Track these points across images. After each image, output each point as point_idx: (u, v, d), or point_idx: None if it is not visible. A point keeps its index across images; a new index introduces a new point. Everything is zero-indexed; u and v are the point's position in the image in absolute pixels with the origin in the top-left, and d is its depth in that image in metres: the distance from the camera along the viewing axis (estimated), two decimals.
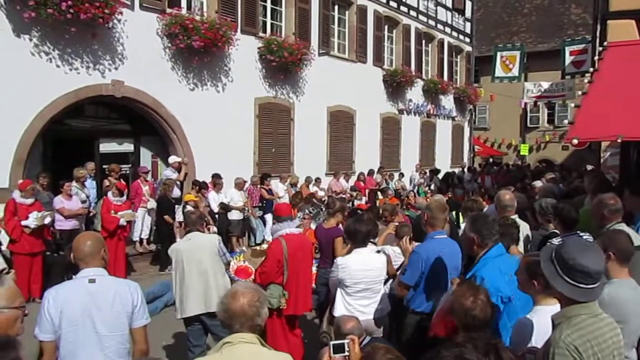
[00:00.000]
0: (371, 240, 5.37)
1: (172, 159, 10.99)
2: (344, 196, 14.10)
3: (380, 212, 7.33)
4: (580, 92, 8.19)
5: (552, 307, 2.67)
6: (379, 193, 15.43)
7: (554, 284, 2.48)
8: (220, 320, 2.52)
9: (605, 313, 2.55)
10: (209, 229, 10.41)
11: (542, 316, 2.74)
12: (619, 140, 6.70)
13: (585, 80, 8.24)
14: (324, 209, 11.05)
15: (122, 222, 8.97)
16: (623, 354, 2.48)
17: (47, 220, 8.03)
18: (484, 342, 2.13)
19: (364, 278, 4.52)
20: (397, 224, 6.25)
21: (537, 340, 2.72)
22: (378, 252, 4.98)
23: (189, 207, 10.12)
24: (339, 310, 4.55)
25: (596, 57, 8.75)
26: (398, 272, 4.86)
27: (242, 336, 2.41)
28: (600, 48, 8.89)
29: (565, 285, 2.44)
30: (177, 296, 5.19)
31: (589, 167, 16.15)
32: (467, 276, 3.52)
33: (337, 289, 4.66)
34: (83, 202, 9.08)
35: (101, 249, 3.21)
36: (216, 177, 11.22)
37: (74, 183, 9.02)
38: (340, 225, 6.21)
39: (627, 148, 9.24)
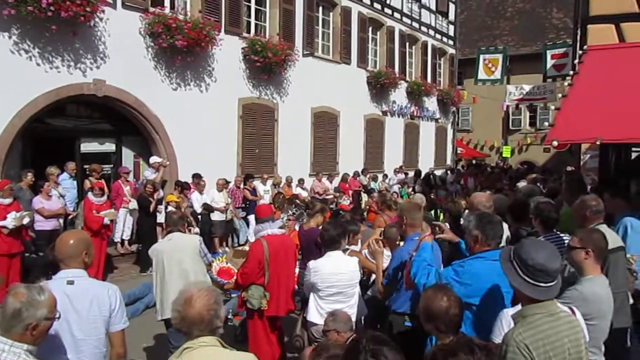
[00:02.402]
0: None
1: (153, 159, 10.90)
2: (327, 197, 14.12)
3: (368, 208, 7.31)
4: (560, 95, 8.29)
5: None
6: (363, 194, 15.46)
7: (515, 283, 2.56)
8: (177, 328, 2.42)
9: (565, 311, 2.61)
10: (189, 230, 10.37)
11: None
12: (598, 143, 6.80)
13: (566, 84, 8.33)
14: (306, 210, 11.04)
15: (106, 221, 8.87)
16: (582, 352, 2.52)
17: (26, 221, 7.89)
18: (472, 342, 2.15)
19: (336, 282, 4.45)
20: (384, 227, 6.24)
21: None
22: (345, 250, 4.98)
23: (170, 208, 10.06)
24: (312, 314, 4.53)
25: (576, 61, 8.86)
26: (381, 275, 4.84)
27: (202, 340, 2.34)
28: (581, 52, 9.01)
29: (525, 285, 2.51)
30: (158, 297, 5.12)
31: (569, 169, 16.37)
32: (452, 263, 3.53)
33: (310, 293, 4.63)
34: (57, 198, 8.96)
35: (84, 250, 3.13)
36: (197, 177, 11.14)
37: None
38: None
39: (606, 150, 9.39)
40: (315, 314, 4.49)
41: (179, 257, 5.07)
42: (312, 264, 4.60)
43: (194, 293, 2.39)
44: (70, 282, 3.02)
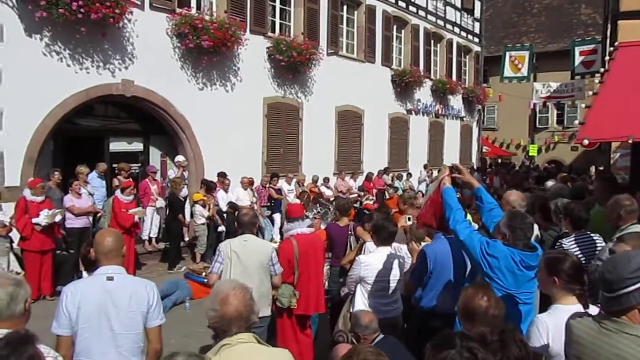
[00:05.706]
0: None
1: (178, 158, 11.05)
2: (351, 196, 14.11)
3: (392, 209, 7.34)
4: (590, 93, 8.16)
5: (570, 307, 2.63)
6: (387, 194, 15.40)
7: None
8: (214, 328, 2.46)
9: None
10: (217, 229, 10.48)
11: (560, 315, 2.66)
12: (630, 141, 6.66)
13: (596, 81, 8.20)
14: (332, 209, 11.08)
15: (136, 219, 9.01)
16: None
17: (58, 218, 8.08)
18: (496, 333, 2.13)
19: (385, 277, 4.53)
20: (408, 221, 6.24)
21: (554, 339, 2.67)
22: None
23: (198, 207, 10.19)
24: (359, 308, 4.55)
25: (607, 58, 8.70)
26: (406, 272, 4.85)
27: (239, 337, 2.39)
28: (612, 48, 8.84)
29: None
30: None
31: (593, 169, 16.07)
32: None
33: (358, 287, 4.64)
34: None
35: (122, 247, 3.24)
36: (222, 176, 11.24)
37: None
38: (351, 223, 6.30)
39: (638, 149, 9.17)
40: (363, 308, 4.50)
41: (252, 260, 4.80)
42: (363, 258, 4.68)
43: (229, 292, 2.46)
44: (110, 279, 3.09)
